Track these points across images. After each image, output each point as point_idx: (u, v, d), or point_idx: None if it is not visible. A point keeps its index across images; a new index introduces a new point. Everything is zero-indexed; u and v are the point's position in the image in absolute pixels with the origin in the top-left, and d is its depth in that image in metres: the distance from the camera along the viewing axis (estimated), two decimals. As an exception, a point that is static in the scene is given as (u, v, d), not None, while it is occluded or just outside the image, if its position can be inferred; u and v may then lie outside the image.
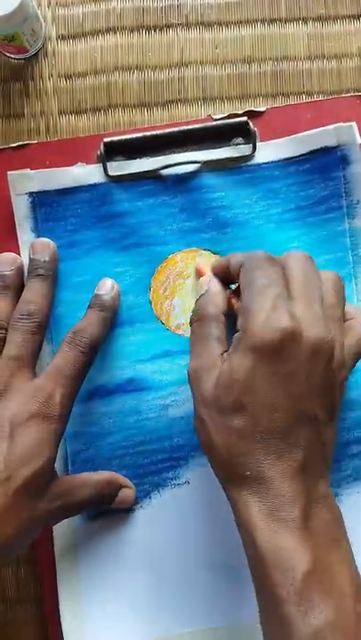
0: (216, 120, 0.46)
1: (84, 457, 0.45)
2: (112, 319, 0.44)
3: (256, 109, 0.46)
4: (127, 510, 0.44)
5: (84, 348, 0.41)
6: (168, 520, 0.45)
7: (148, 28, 0.48)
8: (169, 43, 0.48)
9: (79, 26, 0.48)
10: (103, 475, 0.43)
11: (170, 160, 0.45)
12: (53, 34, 0.48)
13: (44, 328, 0.43)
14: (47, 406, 0.39)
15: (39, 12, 0.47)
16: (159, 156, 0.45)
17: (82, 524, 0.44)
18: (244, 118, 0.45)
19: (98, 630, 0.44)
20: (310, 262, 0.37)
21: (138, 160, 0.45)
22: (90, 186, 0.45)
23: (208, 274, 0.41)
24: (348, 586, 0.33)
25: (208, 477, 0.44)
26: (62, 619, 0.43)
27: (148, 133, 0.45)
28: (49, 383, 0.40)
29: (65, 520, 0.43)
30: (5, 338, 0.42)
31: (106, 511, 0.44)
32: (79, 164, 0.45)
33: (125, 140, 0.45)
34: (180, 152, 0.45)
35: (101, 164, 0.45)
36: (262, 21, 0.48)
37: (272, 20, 0.48)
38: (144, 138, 0.45)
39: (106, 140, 0.45)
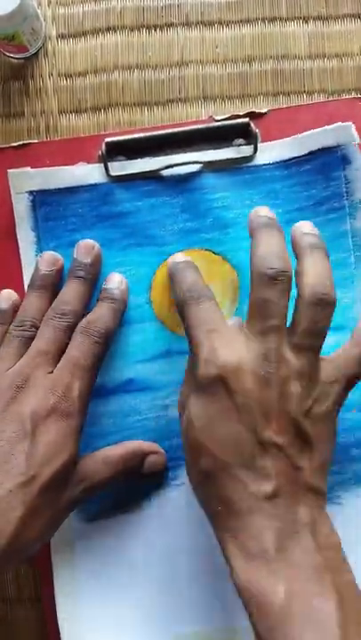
0: (218, 121, 0.45)
1: (83, 457, 0.45)
2: (123, 312, 0.44)
3: (258, 111, 0.45)
4: (126, 511, 0.44)
5: (100, 338, 0.41)
6: (167, 521, 0.44)
7: (149, 27, 0.48)
8: (169, 42, 0.48)
9: (79, 25, 0.48)
10: (126, 448, 0.43)
11: (171, 160, 0.44)
12: (53, 33, 0.48)
13: (74, 330, 0.42)
14: (66, 400, 0.39)
15: (39, 11, 0.47)
16: (161, 156, 0.45)
17: (79, 525, 0.44)
18: (246, 120, 0.45)
19: (97, 632, 0.44)
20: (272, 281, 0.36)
21: (139, 160, 0.45)
22: (91, 185, 0.45)
23: None
24: (335, 624, 0.30)
25: (208, 478, 0.45)
26: (60, 620, 0.43)
27: (150, 134, 0.45)
28: (66, 375, 0.40)
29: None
30: (35, 336, 0.42)
31: (104, 512, 0.44)
32: (80, 163, 0.45)
33: (127, 141, 0.45)
34: (181, 152, 0.45)
35: (103, 164, 0.45)
36: (263, 20, 0.48)
37: (273, 19, 0.48)
38: (146, 138, 0.45)
39: (108, 140, 0.44)
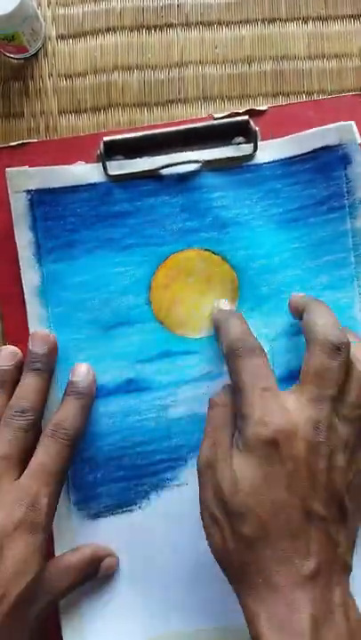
0: (217, 119, 0.45)
1: (83, 457, 0.44)
2: (90, 405, 0.43)
3: (257, 108, 0.45)
4: (125, 510, 0.44)
5: (68, 441, 0.41)
6: (167, 521, 0.44)
7: (148, 28, 0.48)
8: (169, 42, 0.48)
9: (79, 25, 0.48)
10: (84, 553, 0.42)
11: (170, 159, 0.44)
12: (53, 33, 0.48)
13: (37, 425, 0.42)
14: (33, 511, 0.38)
15: (39, 11, 0.47)
16: (159, 155, 0.45)
17: (81, 523, 0.44)
18: (245, 117, 0.44)
19: (98, 630, 0.43)
20: (334, 350, 0.36)
21: (138, 159, 0.45)
22: (89, 185, 0.45)
23: None
24: None
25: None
26: (62, 620, 0.43)
27: (149, 132, 0.45)
28: (34, 483, 0.39)
29: (64, 520, 0.44)
30: None
31: (104, 511, 0.44)
32: (79, 162, 0.45)
33: (126, 140, 0.44)
34: (180, 151, 0.45)
35: (101, 164, 0.45)
36: (262, 21, 0.48)
37: (272, 20, 0.48)
38: (144, 137, 0.45)
39: (106, 139, 0.44)
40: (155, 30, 0.48)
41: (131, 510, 0.44)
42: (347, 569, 0.34)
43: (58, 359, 0.44)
